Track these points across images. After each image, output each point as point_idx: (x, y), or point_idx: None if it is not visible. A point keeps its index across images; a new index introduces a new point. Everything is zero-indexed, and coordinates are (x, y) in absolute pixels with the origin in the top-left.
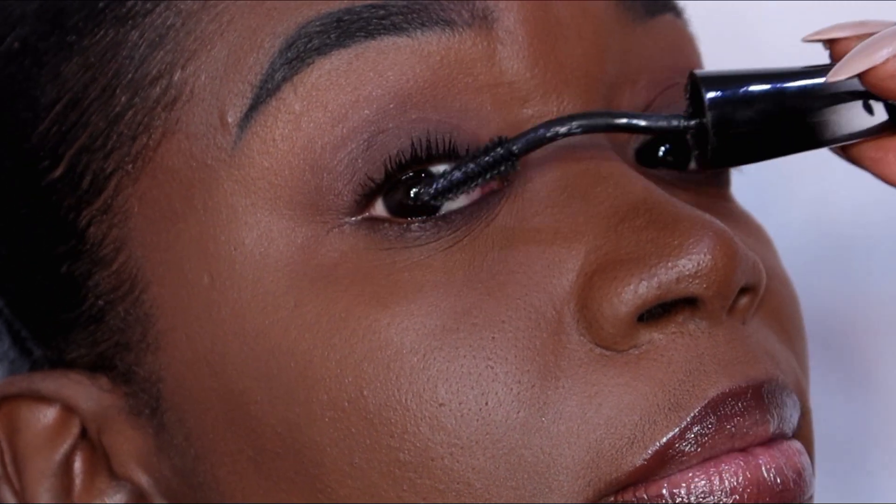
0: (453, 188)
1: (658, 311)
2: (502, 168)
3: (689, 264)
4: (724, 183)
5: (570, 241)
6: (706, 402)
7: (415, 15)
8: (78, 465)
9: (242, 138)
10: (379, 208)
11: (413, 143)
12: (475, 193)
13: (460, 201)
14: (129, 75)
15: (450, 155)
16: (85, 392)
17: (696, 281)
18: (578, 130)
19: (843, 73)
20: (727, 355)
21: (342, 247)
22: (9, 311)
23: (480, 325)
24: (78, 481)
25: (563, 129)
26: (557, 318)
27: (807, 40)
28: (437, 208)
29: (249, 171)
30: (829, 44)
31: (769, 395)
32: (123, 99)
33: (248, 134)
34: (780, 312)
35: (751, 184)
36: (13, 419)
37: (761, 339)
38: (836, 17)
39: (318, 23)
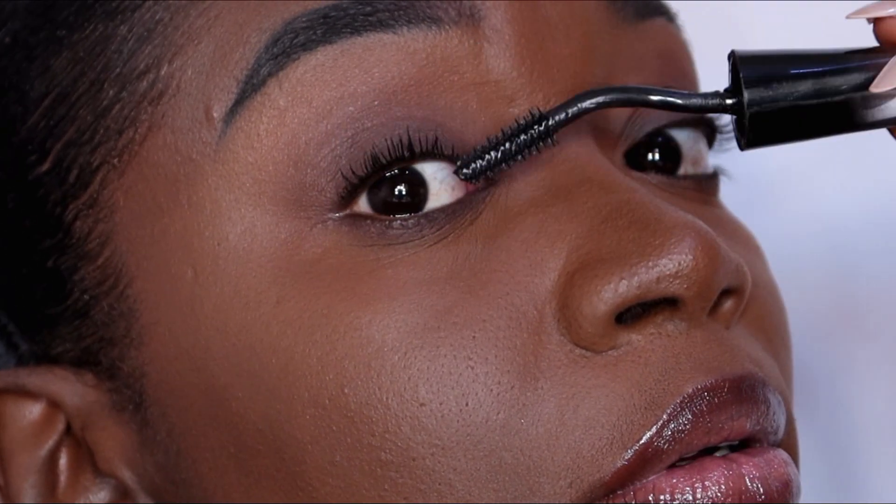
0: (492, 168)
1: (637, 312)
2: (539, 144)
3: (669, 264)
4: (713, 189)
5: (553, 240)
6: (681, 398)
7: (401, 12)
8: (63, 461)
9: (227, 133)
10: (363, 205)
11: (396, 141)
12: (459, 192)
13: (444, 199)
14: (118, 69)
15: (433, 153)
16: (70, 388)
17: (677, 281)
18: (614, 103)
19: (886, 85)
20: (705, 354)
21: (325, 243)
22: None
23: (461, 324)
24: (63, 478)
25: (600, 100)
26: (538, 318)
27: (850, 17)
28: (421, 206)
29: (234, 166)
30: (873, 23)
31: (748, 389)
32: (111, 93)
33: (232, 129)
34: (766, 321)
35: (741, 189)
36: None
37: (744, 343)
38: (830, 19)
39: (304, 18)
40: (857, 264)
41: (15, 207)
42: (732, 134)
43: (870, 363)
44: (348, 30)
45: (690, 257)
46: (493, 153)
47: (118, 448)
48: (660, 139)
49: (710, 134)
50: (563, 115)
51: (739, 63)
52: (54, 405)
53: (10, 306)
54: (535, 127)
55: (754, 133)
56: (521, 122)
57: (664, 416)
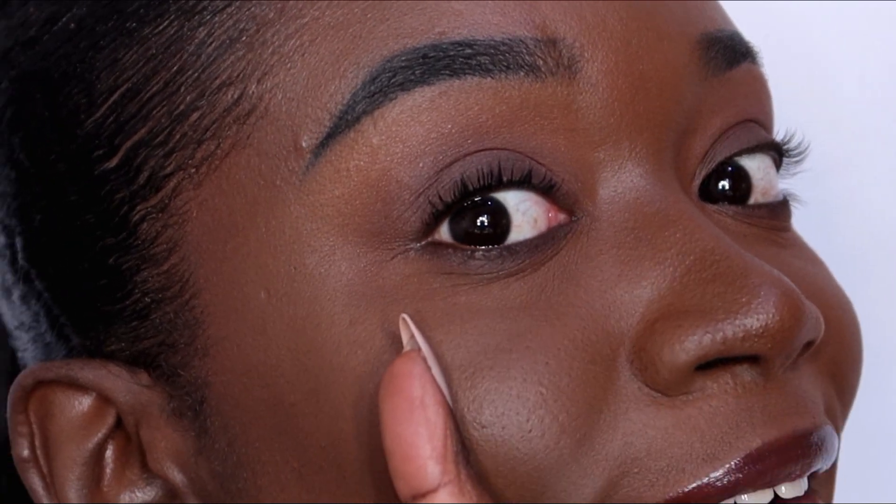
0: None
1: (715, 361)
2: None
3: (755, 323)
4: (785, 215)
5: (634, 285)
6: (746, 453)
7: (501, 57)
8: (110, 454)
9: (315, 165)
10: (444, 233)
11: (486, 170)
12: (542, 225)
13: (526, 231)
14: (195, 74)
15: (522, 182)
16: (124, 386)
17: (762, 340)
18: None
19: None
20: (777, 407)
21: (405, 271)
22: (49, 296)
23: (535, 349)
24: (108, 471)
25: None
26: (612, 357)
27: None
28: (503, 237)
29: (319, 198)
30: None
31: (818, 443)
32: (188, 98)
33: (321, 161)
34: (840, 339)
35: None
36: (47, 404)
37: (812, 386)
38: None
39: (403, 57)
40: None
41: (77, 201)
42: (799, 157)
43: None
44: (447, 72)
45: (777, 318)
46: None
47: (172, 450)
48: (730, 168)
49: (778, 158)
50: None
51: None
52: (105, 400)
53: (65, 299)
54: None
55: None
56: None
57: (719, 472)
